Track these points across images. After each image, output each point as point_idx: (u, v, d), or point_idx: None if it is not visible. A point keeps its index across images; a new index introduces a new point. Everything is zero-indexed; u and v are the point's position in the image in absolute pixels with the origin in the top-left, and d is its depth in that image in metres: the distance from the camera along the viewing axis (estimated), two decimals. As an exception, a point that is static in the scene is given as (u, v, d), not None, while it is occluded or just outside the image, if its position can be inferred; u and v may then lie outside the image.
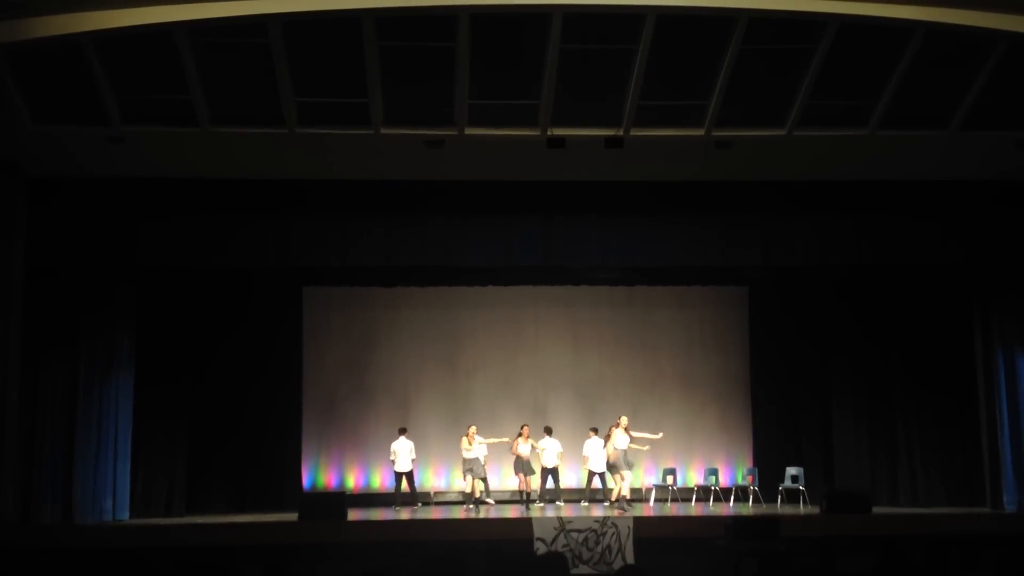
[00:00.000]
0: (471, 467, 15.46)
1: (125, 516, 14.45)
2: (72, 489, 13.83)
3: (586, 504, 15.60)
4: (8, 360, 13.18)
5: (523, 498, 15.54)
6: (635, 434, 15.40)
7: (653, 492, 16.01)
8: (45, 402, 13.92)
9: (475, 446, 15.51)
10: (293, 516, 13.64)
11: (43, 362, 13.94)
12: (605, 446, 15.38)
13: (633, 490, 15.69)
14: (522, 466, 15.61)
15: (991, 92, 12.18)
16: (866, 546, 11.61)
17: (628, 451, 15.20)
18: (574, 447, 16.16)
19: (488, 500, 15.69)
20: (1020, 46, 11.51)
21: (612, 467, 15.24)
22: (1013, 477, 14.65)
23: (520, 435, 15.73)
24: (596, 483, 15.76)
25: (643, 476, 16.60)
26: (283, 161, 13.38)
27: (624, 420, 15.43)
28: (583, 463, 15.84)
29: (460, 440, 15.73)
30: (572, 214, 14.38)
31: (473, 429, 15.67)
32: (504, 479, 16.49)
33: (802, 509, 15.29)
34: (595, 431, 15.81)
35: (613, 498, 15.19)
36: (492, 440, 15.81)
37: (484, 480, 15.65)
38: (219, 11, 10.84)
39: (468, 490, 15.51)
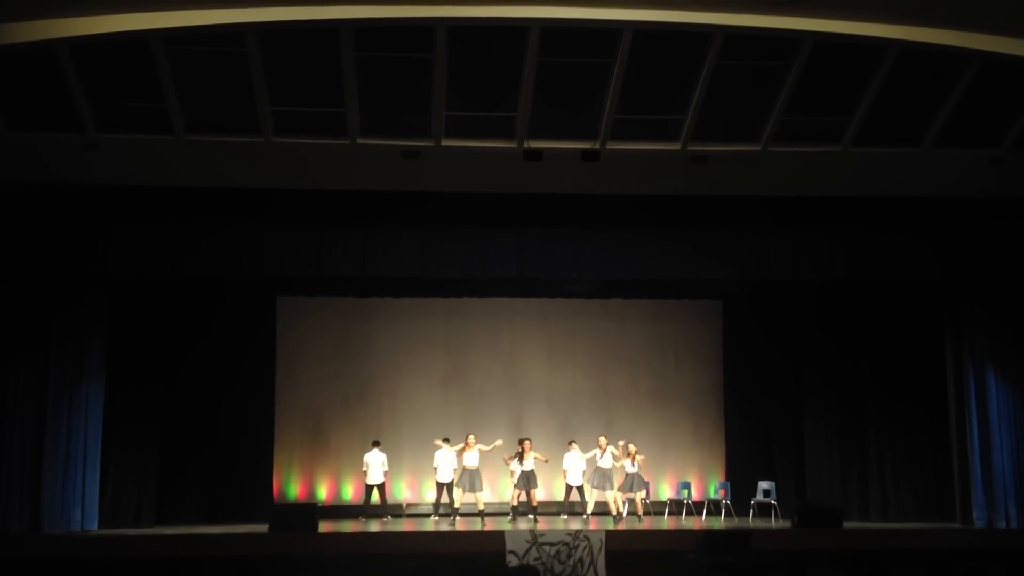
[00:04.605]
0: (471, 478, 15.15)
1: (94, 526, 14.28)
2: (40, 498, 13.66)
3: (564, 518, 15.56)
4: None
5: (529, 512, 15.20)
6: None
7: (626, 505, 15.97)
8: (13, 410, 13.75)
9: (472, 454, 15.23)
10: (264, 527, 13.51)
11: (12, 369, 13.78)
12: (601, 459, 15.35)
13: (599, 503, 15.56)
14: (526, 481, 15.25)
15: (964, 110, 12.32)
16: (837, 560, 11.68)
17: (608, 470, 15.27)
18: (551, 459, 16.08)
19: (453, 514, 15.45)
20: (992, 65, 11.65)
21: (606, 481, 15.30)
22: (983, 492, 14.76)
23: (522, 450, 15.37)
24: (574, 496, 15.72)
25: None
26: (258, 170, 13.33)
27: (603, 440, 15.45)
28: (562, 476, 15.77)
29: (459, 449, 15.37)
30: (548, 226, 14.38)
31: (472, 438, 15.42)
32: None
33: (774, 523, 15.34)
34: (573, 443, 15.77)
35: (615, 512, 15.24)
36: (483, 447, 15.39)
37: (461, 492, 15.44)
38: (195, 19, 10.80)
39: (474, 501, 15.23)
